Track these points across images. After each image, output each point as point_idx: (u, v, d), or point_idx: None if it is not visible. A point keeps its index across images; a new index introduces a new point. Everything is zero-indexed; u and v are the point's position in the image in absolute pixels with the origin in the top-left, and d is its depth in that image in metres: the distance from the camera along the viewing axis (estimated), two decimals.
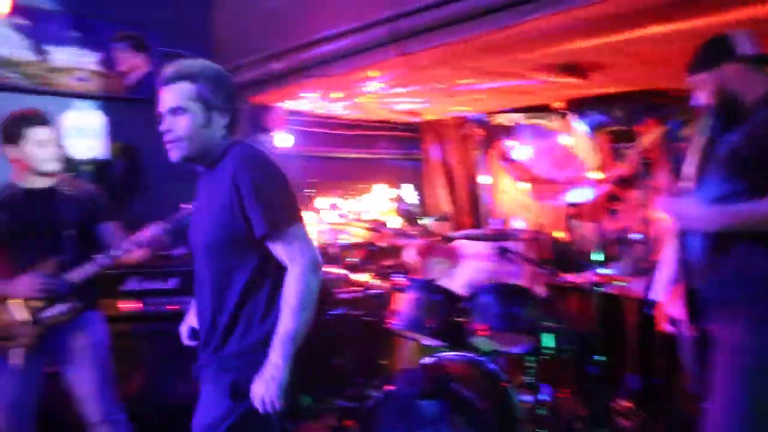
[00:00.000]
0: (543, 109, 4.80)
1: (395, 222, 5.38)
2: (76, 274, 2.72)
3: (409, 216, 5.54)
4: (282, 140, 4.57)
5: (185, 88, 1.88)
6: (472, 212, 5.41)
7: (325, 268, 4.57)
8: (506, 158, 5.13)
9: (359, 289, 4.44)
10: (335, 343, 4.05)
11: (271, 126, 4.40)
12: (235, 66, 4.37)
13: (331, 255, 4.83)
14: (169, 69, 1.91)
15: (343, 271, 3.84)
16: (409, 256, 4.19)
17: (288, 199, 1.88)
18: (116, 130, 4.20)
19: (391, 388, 2.95)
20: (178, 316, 2.28)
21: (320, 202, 5.11)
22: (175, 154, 1.89)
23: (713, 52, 2.07)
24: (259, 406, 1.77)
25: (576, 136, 4.64)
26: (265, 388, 1.76)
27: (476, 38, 2.86)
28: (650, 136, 4.19)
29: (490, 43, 2.91)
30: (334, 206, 5.12)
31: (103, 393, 2.81)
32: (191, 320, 2.16)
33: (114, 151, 4.19)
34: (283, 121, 4.47)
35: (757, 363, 1.88)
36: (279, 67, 3.91)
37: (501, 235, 3.23)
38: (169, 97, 1.88)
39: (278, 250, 1.83)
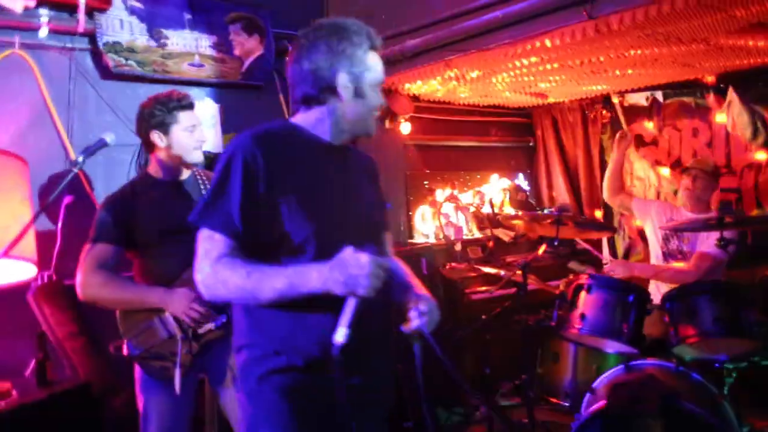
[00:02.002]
0: (689, 85, 4.32)
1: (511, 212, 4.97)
2: None
3: (526, 207, 5.12)
4: (405, 128, 4.19)
5: None
6: (600, 203, 4.94)
7: (454, 266, 4.28)
8: (643, 141, 4.64)
9: (491, 289, 4.04)
10: (481, 348, 3.66)
11: (398, 112, 4.01)
12: None
13: (456, 252, 4.45)
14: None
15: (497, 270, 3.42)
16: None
17: None
18: (229, 120, 3.88)
19: (601, 405, 2.54)
20: None
21: (437, 193, 4.72)
22: None
23: None
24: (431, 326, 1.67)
25: (733, 112, 4.14)
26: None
27: None
28: None
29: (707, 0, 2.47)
30: (452, 197, 4.73)
31: None
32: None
33: (227, 144, 3.86)
34: (410, 107, 4.07)
35: None
36: (415, 43, 3.50)
37: (739, 222, 2.77)
38: None
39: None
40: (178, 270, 2.35)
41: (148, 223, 2.37)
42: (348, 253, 1.42)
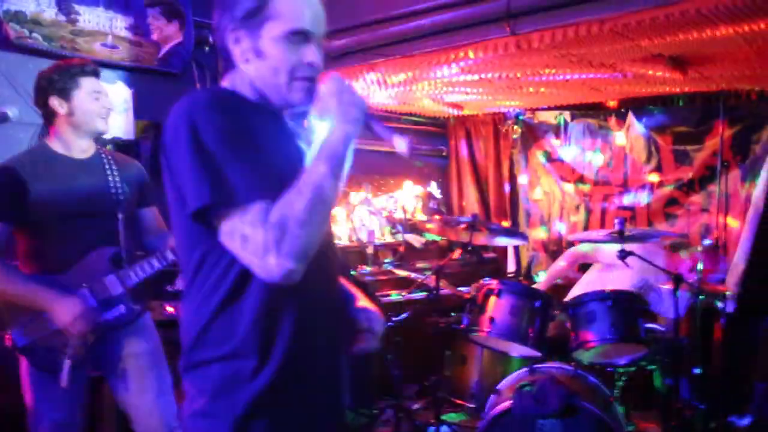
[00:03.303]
0: (594, 108, 4.60)
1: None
2: (134, 275, 2.26)
3: (437, 214, 5.24)
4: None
5: None
6: (508, 214, 5.14)
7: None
8: (550, 158, 4.89)
9: (402, 292, 4.10)
10: (391, 350, 3.70)
11: None
12: None
13: (367, 254, 4.48)
14: None
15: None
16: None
17: None
18: (142, 106, 3.71)
19: (506, 405, 2.63)
20: None
21: (351, 196, 4.73)
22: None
23: None
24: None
25: (631, 135, 4.46)
26: None
27: (606, 20, 2.60)
28: (718, 138, 4.07)
29: (617, 27, 2.65)
30: (367, 201, 4.75)
31: (161, 407, 2.36)
32: None
33: (139, 131, 3.69)
34: None
35: None
36: (341, 44, 3.51)
37: (639, 236, 2.96)
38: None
39: None
40: (76, 256, 2.20)
41: (45, 200, 2.16)
42: (330, 83, 1.24)
